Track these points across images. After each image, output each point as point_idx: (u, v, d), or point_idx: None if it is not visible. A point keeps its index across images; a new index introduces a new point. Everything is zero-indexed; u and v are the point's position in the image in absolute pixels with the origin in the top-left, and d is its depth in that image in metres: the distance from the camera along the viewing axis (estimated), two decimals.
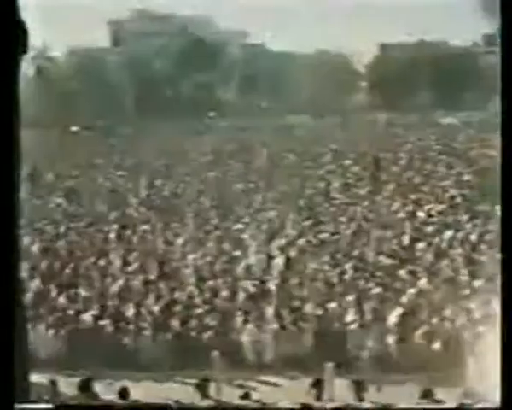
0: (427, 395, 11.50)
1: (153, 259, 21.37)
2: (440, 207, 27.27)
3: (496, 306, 16.58)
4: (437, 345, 15.38)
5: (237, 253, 21.63)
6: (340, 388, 13.06)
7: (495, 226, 23.98)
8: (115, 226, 25.69)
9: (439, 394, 11.91)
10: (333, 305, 17.09)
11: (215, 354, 14.80)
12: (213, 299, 17.76)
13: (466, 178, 33.86)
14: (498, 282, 17.92)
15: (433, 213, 26.31)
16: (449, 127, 65.72)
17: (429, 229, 23.96)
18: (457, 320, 16.19)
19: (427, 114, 72.66)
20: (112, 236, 24.58)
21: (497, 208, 26.43)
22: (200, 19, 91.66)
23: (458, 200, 28.67)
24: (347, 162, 39.90)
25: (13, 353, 4.27)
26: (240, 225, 25.23)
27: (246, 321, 16.50)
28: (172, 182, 35.51)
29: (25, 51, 4.61)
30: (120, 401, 11.59)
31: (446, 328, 15.95)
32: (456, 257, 20.63)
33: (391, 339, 15.74)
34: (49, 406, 5.31)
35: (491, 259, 20.24)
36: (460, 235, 23.00)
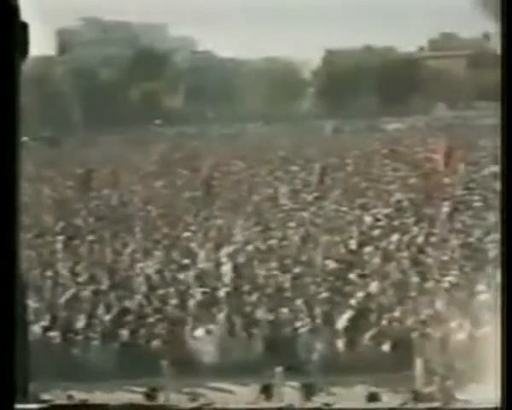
0: (373, 397, 11.63)
1: (102, 269, 21.22)
2: (387, 210, 27.58)
3: (441, 306, 16.88)
4: (386, 347, 15.56)
5: (186, 261, 21.60)
6: (289, 392, 13.13)
7: (440, 229, 24.38)
8: (62, 237, 25.43)
9: (386, 396, 12.05)
10: (283, 310, 17.18)
11: (165, 362, 14.77)
12: (163, 307, 17.71)
13: (412, 181, 34.29)
14: (444, 283, 18.24)
15: (379, 217, 26.58)
16: (394, 132, 66.49)
17: (376, 233, 24.21)
18: (406, 322, 16.40)
19: (373, 120, 73.44)
20: (59, 246, 24.33)
21: (444, 210, 26.93)
22: (148, 27, 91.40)
23: (404, 203, 29.02)
24: (295, 168, 40.13)
25: (13, 353, 4.25)
26: (188, 234, 25.20)
27: (196, 328, 16.49)
28: (120, 191, 35.29)
29: (25, 52, 4.57)
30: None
31: (395, 330, 16.14)
32: (403, 260, 20.87)
33: (340, 342, 15.87)
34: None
35: (437, 261, 20.56)
36: (406, 238, 23.28)
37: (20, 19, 4.38)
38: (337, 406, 9.13)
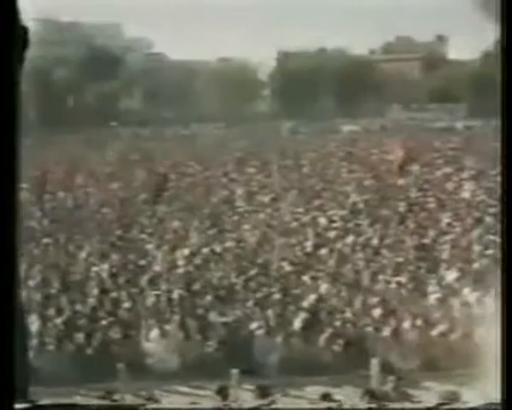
0: (326, 397, 11.73)
1: (55, 272, 21.04)
2: (342, 212, 27.76)
3: (395, 306, 17.07)
4: (340, 347, 15.68)
5: (142, 263, 21.54)
6: (245, 394, 13.17)
7: (395, 230, 24.62)
8: None
9: (339, 395, 12.15)
10: (238, 312, 17.22)
11: (120, 365, 14.71)
12: (117, 310, 17.62)
13: (367, 183, 34.56)
14: (397, 283, 18.42)
15: (335, 218, 26.75)
16: (350, 134, 66.95)
17: (331, 234, 24.37)
18: (360, 322, 16.55)
19: (328, 122, 73.87)
20: None
21: (399, 211, 27.21)
22: (103, 27, 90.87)
23: (360, 205, 29.24)
24: (251, 170, 40.20)
25: (13, 353, 4.22)
26: (144, 236, 25.12)
27: (151, 331, 16.45)
28: (75, 193, 35.02)
29: (25, 46, 4.53)
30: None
31: (349, 330, 16.29)
32: (358, 261, 21.04)
33: (295, 343, 15.95)
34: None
35: (391, 262, 20.78)
36: (361, 239, 23.48)
37: (21, 22, 4.39)
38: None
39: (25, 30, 4.36)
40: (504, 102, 4.33)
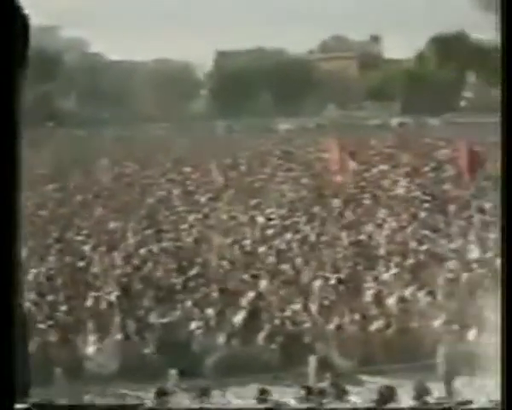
0: (263, 393, 11.80)
1: None
2: (279, 211, 27.89)
3: (332, 303, 17.23)
4: (279, 345, 15.76)
5: (80, 264, 21.32)
6: (184, 394, 13.14)
7: (332, 227, 24.85)
8: None
9: (277, 393, 12.24)
10: (177, 313, 17.17)
11: (57, 369, 14.54)
12: (54, 313, 17.40)
13: (304, 181, 34.81)
14: (334, 280, 18.56)
15: (273, 216, 26.87)
16: (287, 132, 67.29)
17: (269, 232, 24.47)
18: (299, 319, 16.66)
19: (266, 120, 74.14)
20: None
21: (336, 208, 27.47)
22: (39, 27, 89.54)
23: (297, 203, 29.43)
24: (187, 170, 40.13)
25: (13, 352, 4.15)
26: (81, 237, 24.86)
27: (89, 334, 16.29)
28: None
29: (26, 44, 4.44)
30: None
31: (288, 328, 16.37)
32: (295, 258, 21.17)
33: (235, 342, 15.97)
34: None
35: (329, 258, 20.96)
36: (298, 236, 23.63)
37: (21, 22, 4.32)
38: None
39: (25, 29, 4.31)
40: (504, 103, 4.40)
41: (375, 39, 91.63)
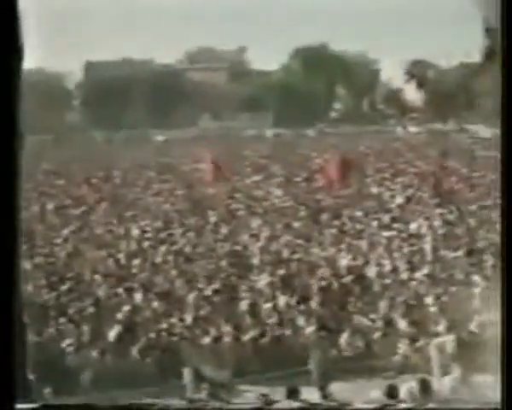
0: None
1: None
2: (155, 223, 27.80)
3: (207, 313, 17.33)
4: (154, 358, 15.73)
5: None
6: None
7: (208, 238, 25.00)
8: None
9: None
10: (50, 330, 16.86)
11: None
12: None
13: (179, 192, 34.84)
14: (209, 291, 18.66)
15: (147, 229, 26.74)
16: (161, 144, 67.11)
17: (145, 245, 24.37)
18: (174, 332, 16.68)
19: (139, 131, 73.71)
20: None
21: (211, 220, 27.61)
22: None
23: (172, 215, 29.42)
24: (61, 183, 39.46)
25: (13, 352, 4.05)
26: None
27: None
28: None
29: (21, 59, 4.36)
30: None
31: (164, 341, 16.36)
32: (170, 271, 21.16)
33: (109, 357, 15.83)
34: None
35: (205, 270, 21.05)
36: (175, 248, 23.65)
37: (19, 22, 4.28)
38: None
39: (20, 43, 4.32)
40: (505, 104, 4.52)
41: (243, 50, 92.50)
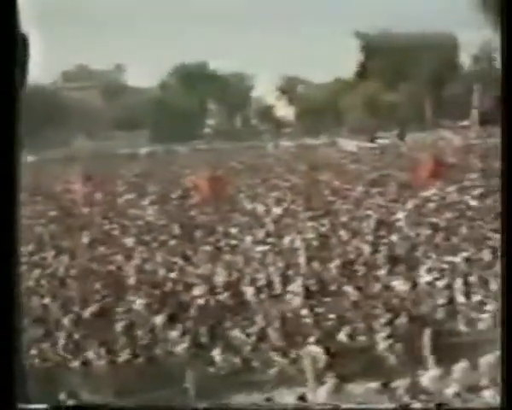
0: None
1: None
2: (27, 247, 27.17)
3: (82, 337, 17.11)
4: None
5: None
6: None
7: (81, 260, 24.67)
8: None
9: None
10: None
11: None
12: None
13: (51, 214, 34.18)
14: (87, 312, 18.41)
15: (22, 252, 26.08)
16: (32, 165, 65.68)
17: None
18: (47, 357, 16.40)
19: None
20: None
21: (84, 240, 27.22)
22: None
23: (45, 237, 28.83)
24: None
25: (13, 352, 3.92)
26: None
27: None
28: None
29: (25, 61, 4.29)
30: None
31: (36, 366, 16.07)
32: (46, 295, 20.78)
33: None
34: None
35: (80, 292, 20.77)
36: (47, 272, 23.26)
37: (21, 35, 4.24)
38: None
39: (24, 41, 4.32)
40: (505, 105, 4.58)
41: (119, 68, 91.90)
